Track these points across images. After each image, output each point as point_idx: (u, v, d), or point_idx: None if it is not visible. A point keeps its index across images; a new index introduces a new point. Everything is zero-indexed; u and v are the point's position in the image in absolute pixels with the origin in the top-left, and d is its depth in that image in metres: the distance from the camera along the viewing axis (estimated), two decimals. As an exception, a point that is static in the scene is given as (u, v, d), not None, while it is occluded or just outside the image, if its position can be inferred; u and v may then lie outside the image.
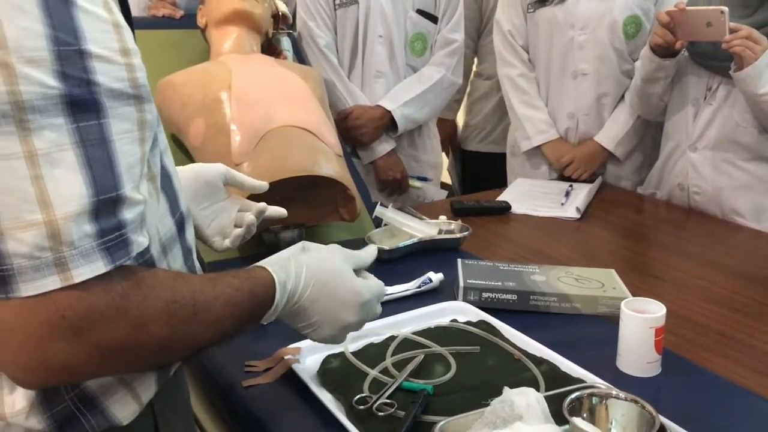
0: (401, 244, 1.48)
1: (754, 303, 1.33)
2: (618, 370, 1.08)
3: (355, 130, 2.07)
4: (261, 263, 0.83)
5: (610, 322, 1.18)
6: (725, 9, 1.59)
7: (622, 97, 2.10)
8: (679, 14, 1.69)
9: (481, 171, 2.64)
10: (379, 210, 1.55)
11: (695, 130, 1.83)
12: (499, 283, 1.27)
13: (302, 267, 0.83)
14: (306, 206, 1.52)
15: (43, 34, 0.58)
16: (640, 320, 1.06)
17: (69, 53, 0.59)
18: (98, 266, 0.60)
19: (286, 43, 1.86)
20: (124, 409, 0.71)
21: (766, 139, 1.73)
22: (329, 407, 0.95)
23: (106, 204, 0.61)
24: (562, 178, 2.15)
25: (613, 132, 2.10)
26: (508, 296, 1.26)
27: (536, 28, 2.13)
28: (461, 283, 1.27)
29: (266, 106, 1.48)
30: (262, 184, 1.10)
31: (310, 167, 1.41)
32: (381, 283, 0.93)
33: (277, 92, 1.54)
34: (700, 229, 1.77)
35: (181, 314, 0.69)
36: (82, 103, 0.60)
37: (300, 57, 1.97)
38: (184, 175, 1.02)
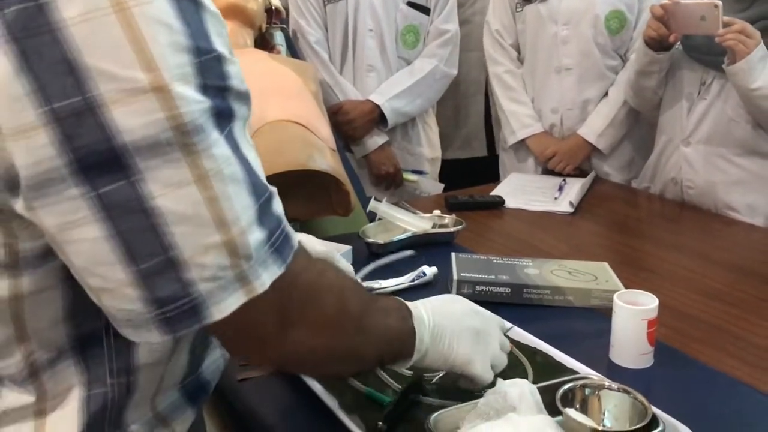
0: (395, 239, 1.48)
1: (746, 296, 1.34)
2: (611, 362, 1.08)
3: (345, 125, 2.07)
4: None
5: (603, 314, 1.18)
6: (719, 3, 1.59)
7: (607, 91, 2.11)
8: (672, 7, 1.69)
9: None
10: (372, 204, 1.55)
11: (689, 124, 1.84)
12: (493, 277, 1.27)
13: (416, 304, 0.83)
14: (300, 201, 1.52)
15: (186, 47, 0.53)
16: (633, 312, 1.06)
17: (209, 62, 0.55)
18: (274, 270, 0.59)
19: (279, 38, 1.86)
20: None
21: (759, 134, 1.74)
22: (323, 399, 0.95)
23: (266, 205, 0.60)
24: (548, 171, 2.16)
25: (595, 125, 2.11)
26: (502, 289, 1.26)
27: (524, 26, 2.15)
28: (455, 277, 1.27)
29: (260, 101, 1.47)
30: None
31: (304, 161, 1.41)
32: (496, 316, 0.93)
33: (271, 87, 1.54)
34: (693, 223, 1.77)
35: (362, 303, 0.72)
36: (222, 113, 0.56)
37: (293, 51, 1.97)
38: None
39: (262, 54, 1.67)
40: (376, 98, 2.09)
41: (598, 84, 2.11)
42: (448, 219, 1.59)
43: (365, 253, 1.46)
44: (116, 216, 0.52)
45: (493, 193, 1.92)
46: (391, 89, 2.10)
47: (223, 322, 0.57)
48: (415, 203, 1.80)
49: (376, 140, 2.12)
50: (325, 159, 1.45)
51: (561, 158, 2.14)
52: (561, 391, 0.85)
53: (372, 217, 1.60)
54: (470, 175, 2.34)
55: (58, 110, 0.50)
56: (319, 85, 1.76)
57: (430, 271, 1.34)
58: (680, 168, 1.87)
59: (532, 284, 1.26)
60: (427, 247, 1.51)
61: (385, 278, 1.32)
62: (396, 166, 2.15)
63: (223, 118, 0.56)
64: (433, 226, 1.55)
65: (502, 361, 0.90)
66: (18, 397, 0.62)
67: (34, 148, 0.50)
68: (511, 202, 1.86)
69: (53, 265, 0.58)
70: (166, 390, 0.71)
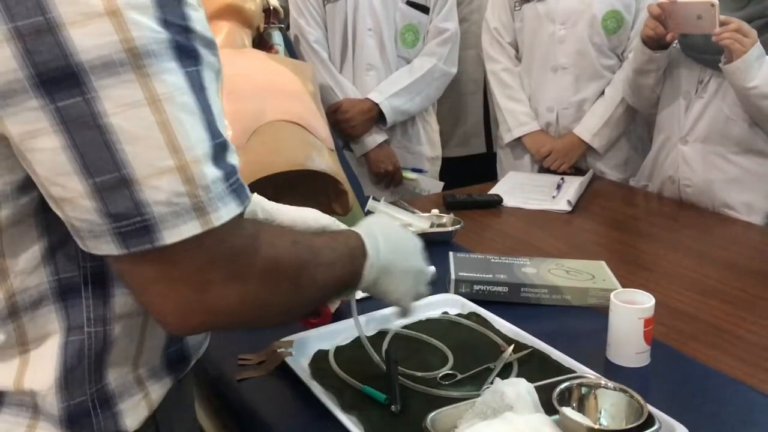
0: (393, 238, 1.48)
1: (743, 294, 1.34)
2: (607, 361, 1.09)
3: (344, 123, 2.08)
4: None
5: (600, 313, 1.19)
6: (715, 2, 1.59)
7: (603, 91, 2.12)
8: (669, 6, 1.70)
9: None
10: (371, 204, 1.55)
11: (686, 122, 1.84)
12: (491, 276, 1.28)
13: (371, 225, 0.87)
14: (298, 201, 1.51)
15: None
16: (629, 311, 1.07)
17: (168, 1, 0.58)
18: (233, 208, 0.62)
19: (277, 38, 1.86)
20: (135, 415, 0.72)
21: (756, 132, 1.74)
22: (322, 399, 0.96)
23: (221, 148, 0.62)
24: (544, 169, 2.17)
25: (591, 124, 2.12)
26: (500, 288, 1.26)
27: (522, 25, 2.16)
28: (453, 276, 1.27)
29: (258, 101, 1.48)
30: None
31: (302, 161, 1.41)
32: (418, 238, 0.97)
33: (269, 87, 1.54)
34: (690, 222, 1.78)
35: (304, 254, 0.72)
36: (184, 50, 0.60)
37: (291, 51, 1.97)
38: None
39: (260, 54, 1.67)
40: (375, 96, 2.09)
41: (594, 83, 2.12)
42: (446, 218, 1.60)
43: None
44: (73, 129, 0.56)
45: (491, 191, 1.93)
46: (390, 87, 2.10)
47: (169, 254, 0.59)
48: (414, 202, 1.81)
49: (375, 138, 2.13)
50: (324, 159, 1.46)
51: (556, 157, 2.14)
52: (558, 390, 0.86)
53: (370, 216, 1.60)
54: (469, 173, 2.35)
55: (21, 28, 0.54)
56: (318, 85, 1.76)
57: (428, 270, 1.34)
58: (678, 166, 1.88)
59: (529, 283, 1.27)
60: (425, 246, 1.50)
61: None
62: (395, 164, 2.16)
63: (186, 55, 0.60)
64: (431, 226, 1.56)
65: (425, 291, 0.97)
66: None
67: (1, 60, 0.55)
68: (509, 201, 1.86)
69: (30, 199, 0.62)
70: (149, 353, 0.73)
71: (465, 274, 1.28)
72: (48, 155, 0.57)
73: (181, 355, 0.78)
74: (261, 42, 1.80)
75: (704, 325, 1.22)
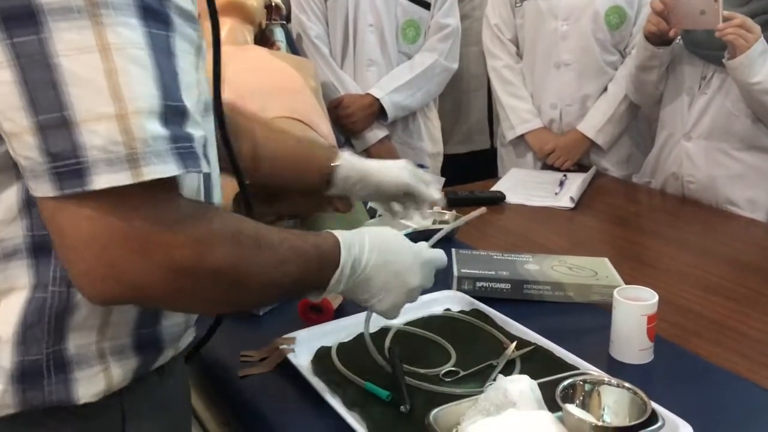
0: (396, 234, 1.48)
1: (746, 291, 1.34)
2: (611, 358, 1.09)
3: (345, 119, 2.07)
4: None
5: (603, 310, 1.19)
6: (718, -3, 1.59)
7: (606, 87, 2.11)
8: (672, 2, 1.69)
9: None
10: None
11: (690, 119, 1.83)
12: (493, 272, 1.28)
13: (364, 235, 0.84)
14: (300, 197, 1.52)
15: None
16: (633, 308, 1.06)
17: None
18: (171, 168, 0.61)
19: (279, 34, 1.86)
20: (89, 386, 0.71)
21: (759, 128, 1.74)
22: (324, 396, 0.96)
23: (174, 112, 0.62)
24: (547, 166, 2.17)
25: (594, 120, 2.11)
26: (502, 285, 1.26)
27: (523, 21, 2.15)
28: (455, 273, 1.27)
29: (260, 98, 1.48)
30: (439, 198, 1.20)
31: (304, 158, 1.41)
32: (441, 251, 0.95)
33: (271, 83, 1.54)
34: (693, 218, 1.77)
35: (246, 244, 0.69)
36: (154, 12, 0.61)
37: (293, 48, 1.96)
38: (366, 186, 1.11)
39: (262, 50, 1.67)
40: (376, 92, 2.09)
41: (597, 79, 2.11)
42: (448, 215, 1.59)
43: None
44: (25, 65, 0.58)
45: (494, 188, 1.92)
46: (391, 83, 2.10)
47: (97, 204, 0.59)
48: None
49: (376, 134, 2.12)
50: (326, 155, 1.45)
51: (560, 153, 2.14)
52: (561, 387, 0.86)
53: (373, 213, 1.60)
54: (472, 170, 2.34)
55: None
56: (319, 82, 1.76)
57: (430, 267, 1.34)
58: (681, 163, 1.87)
59: (532, 280, 1.26)
60: (427, 242, 1.50)
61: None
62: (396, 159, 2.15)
63: (153, 17, 0.61)
64: (434, 222, 1.55)
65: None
66: None
67: None
68: (511, 198, 1.86)
69: (5, 150, 0.63)
70: (116, 328, 0.72)
71: (468, 271, 1.27)
72: (3, 88, 0.58)
73: (153, 339, 0.76)
74: (263, 38, 1.80)
75: (707, 321, 1.22)
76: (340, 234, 0.82)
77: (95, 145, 0.58)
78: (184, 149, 0.62)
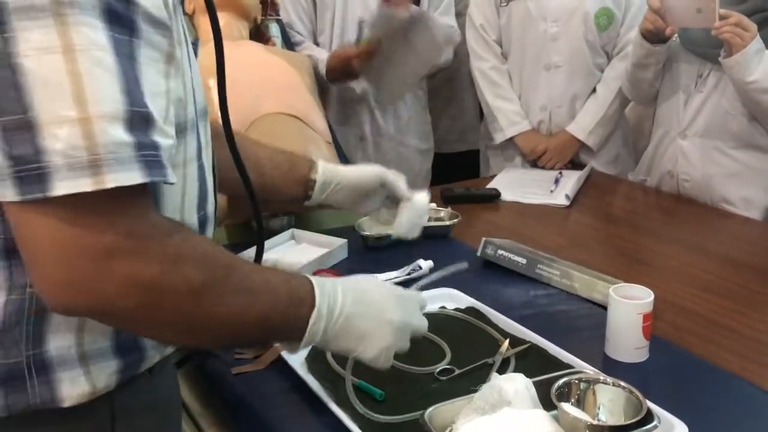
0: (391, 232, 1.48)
1: (742, 289, 1.34)
2: (606, 356, 1.08)
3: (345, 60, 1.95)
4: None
5: (600, 309, 1.19)
6: (715, -5, 1.59)
7: (594, 88, 2.11)
8: (669, 0, 1.69)
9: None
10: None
11: (685, 117, 1.83)
12: (515, 248, 1.36)
13: (335, 283, 0.79)
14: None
15: None
16: (628, 306, 1.06)
17: None
18: (134, 176, 0.59)
19: (274, 30, 1.85)
20: (72, 388, 0.70)
21: (754, 126, 1.74)
22: (318, 394, 0.95)
23: (140, 118, 0.60)
24: (537, 167, 2.16)
25: (584, 122, 2.11)
26: (519, 259, 1.34)
27: (509, 21, 2.13)
28: (484, 237, 1.38)
29: (255, 93, 1.48)
30: (419, 197, 1.21)
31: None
32: (418, 292, 0.91)
33: (266, 79, 1.53)
34: (689, 216, 1.77)
35: (217, 268, 0.67)
36: (119, 17, 0.59)
37: (288, 43, 1.96)
38: (344, 187, 1.14)
39: (258, 46, 1.67)
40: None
41: (586, 81, 2.11)
42: (443, 212, 1.59)
43: (361, 246, 1.45)
44: None
45: (489, 186, 1.92)
46: None
47: (58, 211, 0.58)
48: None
49: None
50: (321, 151, 1.45)
51: (551, 155, 2.13)
52: (556, 385, 0.86)
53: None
54: (465, 169, 2.34)
55: None
56: (314, 78, 1.75)
57: (425, 264, 1.34)
58: (677, 161, 1.87)
59: (546, 262, 1.31)
60: (423, 240, 1.50)
61: (380, 271, 1.31)
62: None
63: (118, 22, 0.59)
64: (429, 219, 1.55)
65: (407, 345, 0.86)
66: None
67: None
68: (507, 195, 1.85)
69: None
70: (94, 331, 0.70)
71: (494, 239, 1.37)
72: None
73: (134, 343, 0.75)
74: (258, 34, 1.80)
75: (703, 320, 1.22)
76: (313, 278, 0.78)
77: (56, 150, 0.56)
78: (149, 157, 0.60)
